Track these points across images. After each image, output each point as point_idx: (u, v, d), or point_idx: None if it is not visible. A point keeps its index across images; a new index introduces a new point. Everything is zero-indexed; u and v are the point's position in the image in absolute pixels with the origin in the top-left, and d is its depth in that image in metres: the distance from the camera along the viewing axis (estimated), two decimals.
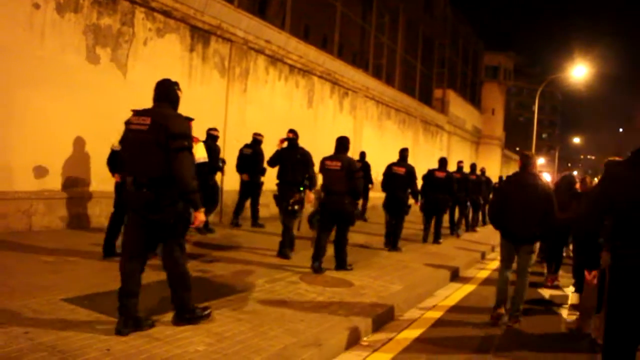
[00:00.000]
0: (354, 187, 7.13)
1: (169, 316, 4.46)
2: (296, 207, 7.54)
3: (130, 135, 4.23)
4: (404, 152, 10.20)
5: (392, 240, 9.80)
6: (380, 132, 19.99)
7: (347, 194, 7.12)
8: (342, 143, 7.42)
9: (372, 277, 7.11)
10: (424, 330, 5.51)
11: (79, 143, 8.31)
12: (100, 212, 8.71)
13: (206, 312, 4.56)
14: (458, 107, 31.07)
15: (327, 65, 15.78)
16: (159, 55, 9.84)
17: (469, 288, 7.86)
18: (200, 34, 10.83)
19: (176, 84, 4.45)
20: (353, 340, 4.83)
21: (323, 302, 5.61)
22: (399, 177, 9.82)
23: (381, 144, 19.59)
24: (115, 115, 8.89)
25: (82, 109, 8.34)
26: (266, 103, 12.94)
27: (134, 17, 9.29)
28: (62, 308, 4.45)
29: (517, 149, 51.62)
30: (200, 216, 4.33)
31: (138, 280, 4.21)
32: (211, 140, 9.09)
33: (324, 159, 7.38)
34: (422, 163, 18.79)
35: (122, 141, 4.65)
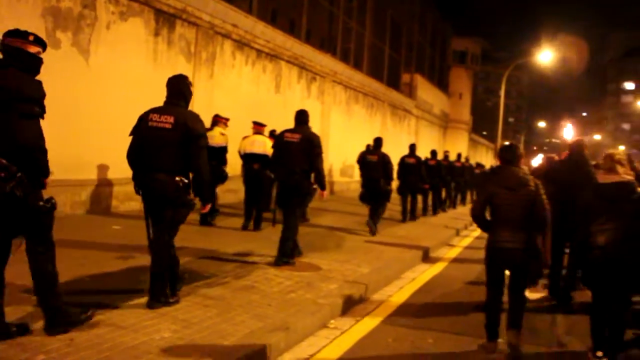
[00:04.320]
0: (387, 172, 9.93)
1: (142, 300, 4.46)
2: (315, 186, 8.57)
3: (285, 145, 6.72)
4: (413, 147, 13.05)
5: (411, 212, 12.70)
6: (348, 116, 20.01)
7: (382, 178, 9.90)
8: (378, 142, 10.38)
9: (340, 261, 7.16)
10: (388, 314, 5.60)
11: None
12: (65, 201, 8.55)
13: (296, 254, 6.88)
14: (426, 91, 31.27)
15: (295, 49, 15.69)
16: (123, 40, 9.65)
17: (434, 270, 8.01)
18: (165, 18, 10.64)
19: (306, 113, 7.00)
20: (320, 324, 4.87)
21: (291, 286, 5.64)
22: (411, 166, 12.47)
23: (349, 128, 19.64)
24: (78, 100, 8.75)
25: None
26: (233, 88, 12.83)
27: (96, 0, 9.07)
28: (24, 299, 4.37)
29: (484, 133, 52.35)
30: (325, 193, 7.05)
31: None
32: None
33: (365, 153, 10.31)
34: (390, 147, 18.87)
35: (275, 146, 7.06)
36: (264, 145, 9.14)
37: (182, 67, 10.93)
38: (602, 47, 73.54)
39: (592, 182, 4.75)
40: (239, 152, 9.41)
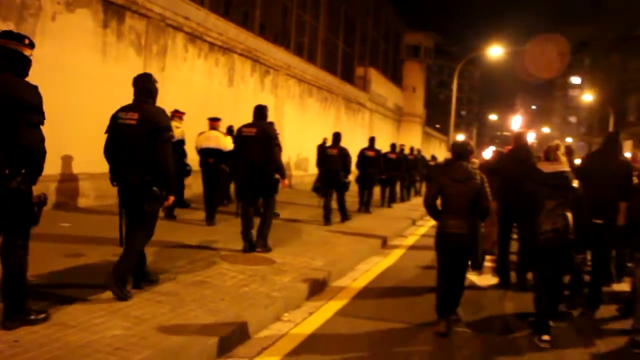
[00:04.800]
0: (346, 165, 10.59)
1: (92, 297, 4.37)
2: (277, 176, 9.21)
3: (242, 138, 7.02)
4: (372, 140, 13.61)
5: (366, 204, 12.98)
6: (302, 110, 20.01)
7: (341, 170, 10.49)
8: (337, 136, 10.97)
9: (295, 254, 7.18)
10: (343, 305, 5.67)
11: None
12: None
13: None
14: (380, 85, 31.54)
15: (248, 43, 15.57)
16: (70, 31, 9.36)
17: (388, 261, 8.14)
18: (114, 9, 10.38)
19: (265, 107, 7.35)
20: (274, 317, 4.90)
21: (244, 280, 5.64)
22: (370, 158, 13.01)
23: (303, 122, 19.65)
24: None
25: None
26: (186, 82, 12.64)
27: None
28: None
29: (437, 126, 53.19)
30: (286, 182, 7.39)
31: (252, 219, 7.04)
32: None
33: (326, 148, 11.07)
34: (345, 141, 18.90)
35: (237, 141, 7.20)
36: (217, 140, 9.26)
37: (132, 60, 10.70)
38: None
39: (534, 173, 5.20)
40: (196, 148, 9.51)
